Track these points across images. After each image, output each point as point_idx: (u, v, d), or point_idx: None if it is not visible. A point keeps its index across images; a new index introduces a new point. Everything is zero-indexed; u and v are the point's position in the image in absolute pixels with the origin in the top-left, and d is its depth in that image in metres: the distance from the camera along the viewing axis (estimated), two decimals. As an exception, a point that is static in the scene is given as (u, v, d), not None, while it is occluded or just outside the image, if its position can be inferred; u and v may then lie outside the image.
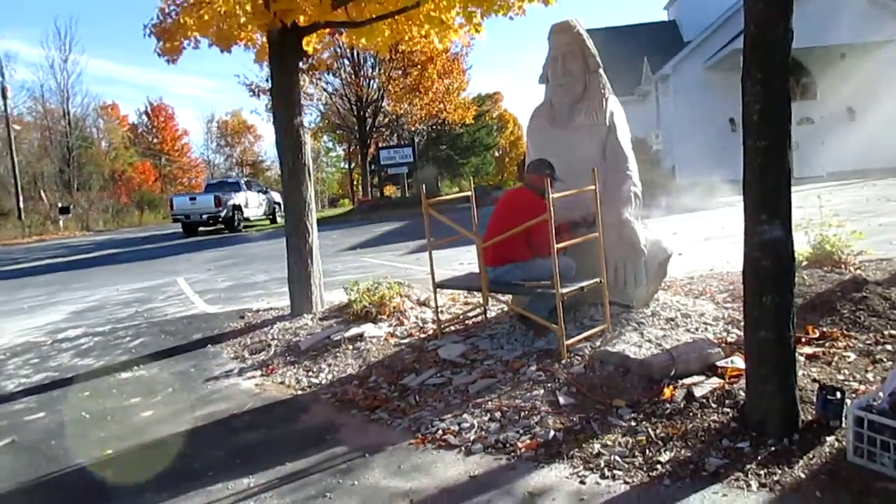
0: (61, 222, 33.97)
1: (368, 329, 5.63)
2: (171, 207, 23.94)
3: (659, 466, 3.13)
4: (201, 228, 23.59)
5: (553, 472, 3.20)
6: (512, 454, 3.43)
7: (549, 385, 4.11)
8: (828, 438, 3.17)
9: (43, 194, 37.06)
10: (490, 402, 4.01)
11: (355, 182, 60.30)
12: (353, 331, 5.61)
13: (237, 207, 23.61)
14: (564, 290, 4.43)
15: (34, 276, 15.00)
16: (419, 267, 9.83)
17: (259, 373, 5.28)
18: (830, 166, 18.44)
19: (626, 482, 3.04)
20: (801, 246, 6.04)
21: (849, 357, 4.10)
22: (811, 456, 3.05)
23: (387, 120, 30.69)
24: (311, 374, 5.06)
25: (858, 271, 5.71)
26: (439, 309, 5.61)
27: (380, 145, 29.72)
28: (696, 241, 9.40)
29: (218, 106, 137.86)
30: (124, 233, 32.07)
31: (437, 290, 5.44)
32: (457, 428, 3.77)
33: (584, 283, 4.60)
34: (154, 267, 14.49)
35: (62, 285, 12.64)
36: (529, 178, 5.05)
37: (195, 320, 7.59)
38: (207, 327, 7.07)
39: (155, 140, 62.18)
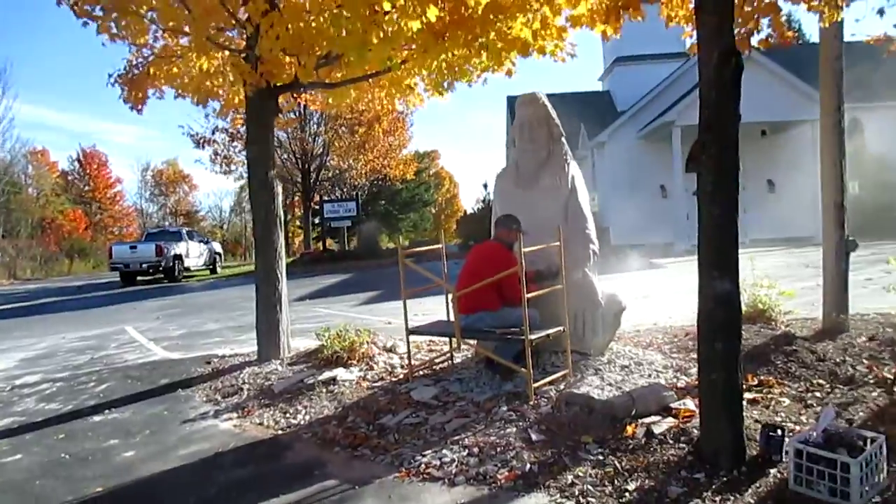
0: (-14, 269, 32.72)
1: (340, 373, 5.89)
2: (110, 255, 23.51)
3: (627, 494, 3.50)
4: (140, 278, 23.23)
5: (533, 500, 3.53)
6: (493, 485, 3.75)
7: (521, 424, 4.47)
8: (771, 470, 3.60)
9: (-33, 239, 35.65)
10: (467, 439, 4.34)
11: (292, 234, 60.19)
12: (326, 374, 5.87)
13: (178, 257, 23.39)
14: (533, 337, 4.84)
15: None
16: (374, 317, 10.12)
17: (235, 415, 5.46)
18: (752, 233, 19.65)
19: (600, 508, 3.41)
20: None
21: (784, 402, 4.61)
22: (758, 485, 3.48)
23: (330, 174, 31.10)
24: (288, 415, 5.28)
25: (788, 328, 6.33)
26: (406, 353, 5.94)
27: (323, 199, 30.01)
28: (636, 298, 9.97)
29: (152, 154, 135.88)
30: (55, 281, 31.10)
31: (410, 336, 5.76)
32: (438, 462, 4.07)
33: (549, 331, 5.03)
34: (98, 316, 14.28)
35: (2, 333, 12.34)
36: (498, 232, 5.50)
37: (159, 366, 7.66)
38: (173, 372, 7.17)
39: (87, 188, 60.85)
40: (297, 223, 55.10)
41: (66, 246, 45.84)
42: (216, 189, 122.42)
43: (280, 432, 4.99)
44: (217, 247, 28.80)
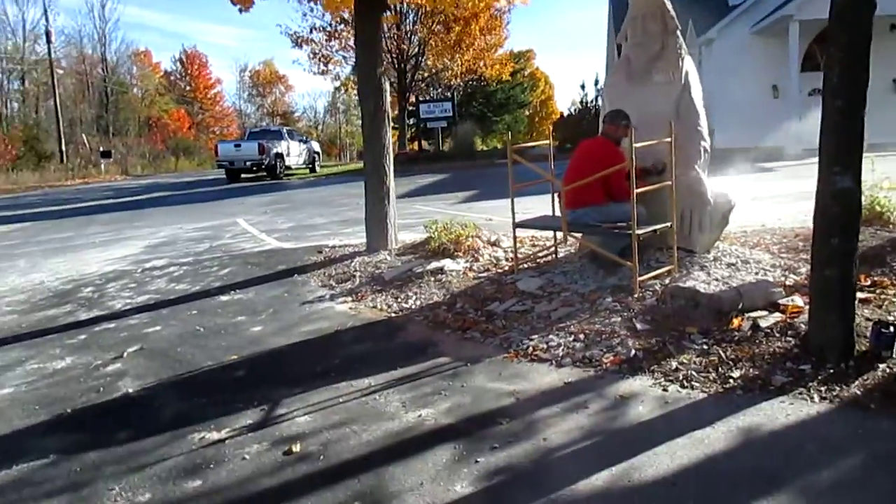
0: (103, 166, 34.79)
1: (448, 263, 6.15)
2: (216, 153, 24.55)
3: (731, 381, 3.62)
4: (244, 175, 24.21)
5: (637, 382, 3.70)
6: (598, 367, 3.94)
7: (625, 314, 4.61)
8: (880, 365, 3.61)
9: (85, 138, 37.84)
10: (572, 326, 4.52)
11: (386, 136, 60.67)
12: (434, 264, 6.14)
13: (279, 156, 24.17)
14: (640, 232, 4.89)
15: (94, 214, 15.71)
16: (474, 214, 10.29)
17: (350, 299, 5.84)
18: (874, 137, 18.43)
19: (703, 391, 3.54)
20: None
21: (897, 301, 4.54)
22: (865, 378, 3.51)
23: (426, 74, 30.88)
24: (399, 300, 5.61)
25: (903, 227, 6.10)
26: (510, 248, 6.11)
27: (419, 99, 29.97)
28: (744, 200, 9.72)
29: (250, 55, 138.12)
30: (165, 177, 32.84)
31: (517, 229, 5.91)
32: (545, 346, 4.29)
33: (657, 227, 5.07)
34: (208, 209, 15.12)
35: (125, 223, 13.31)
36: (606, 127, 5.49)
37: (274, 254, 8.18)
38: (288, 260, 7.65)
39: (188, 88, 62.83)
40: (392, 123, 55.55)
41: (172, 144, 48.02)
42: (310, 90, 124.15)
43: (393, 315, 5.32)
44: (316, 146, 29.49)
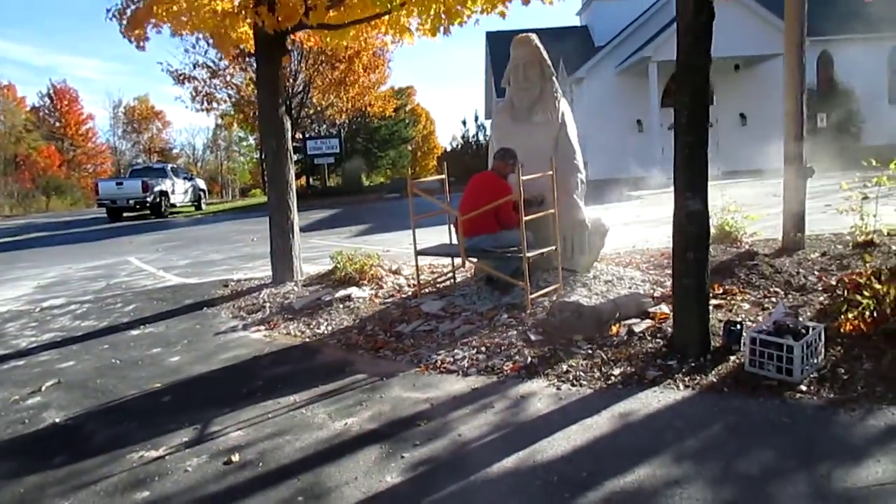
0: (-34, 207, 32.66)
1: (354, 291, 6.57)
2: (97, 192, 23.76)
3: (612, 377, 4.25)
4: (126, 214, 23.55)
5: (535, 384, 4.27)
6: (500, 374, 4.48)
7: (520, 328, 5.20)
8: (731, 358, 4.35)
9: (-56, 177, 35.41)
10: (474, 341, 5.05)
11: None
12: (342, 292, 6.54)
13: (164, 193, 23.70)
14: (529, 254, 5.52)
15: (-34, 256, 14.95)
16: (371, 247, 10.68)
17: (263, 328, 6.14)
18: (725, 165, 20.40)
19: (590, 388, 4.14)
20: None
21: (744, 306, 5.37)
22: (720, 369, 4.23)
23: (311, 112, 31.16)
24: (311, 326, 5.97)
25: (751, 247, 7.07)
26: (411, 276, 6.61)
27: (306, 136, 30.18)
28: (615, 225, 10.68)
29: (120, 89, 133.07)
30: (38, 218, 31.21)
31: (419, 257, 6.42)
32: (451, 359, 4.79)
33: (543, 250, 5.72)
34: (95, 248, 14.76)
35: (5, 264, 12.84)
36: (496, 164, 6.13)
37: (179, 289, 8.29)
38: (194, 294, 7.81)
39: (58, 124, 59.95)
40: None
41: (42, 183, 45.61)
42: (188, 126, 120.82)
43: (308, 340, 5.68)
44: (201, 183, 29.06)
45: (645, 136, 22.47)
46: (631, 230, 10.16)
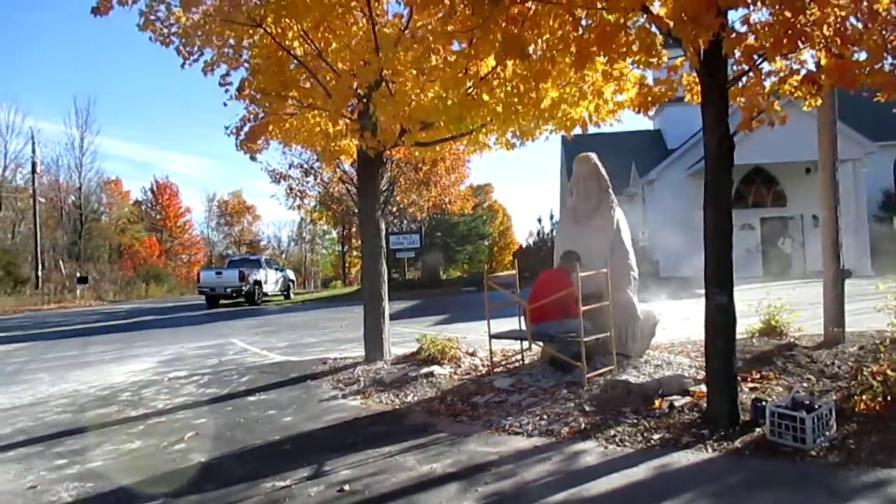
0: (78, 291, 35.68)
1: (436, 369, 7.63)
2: (198, 280, 25.91)
3: (652, 441, 5.11)
4: (223, 301, 25.47)
5: (586, 444, 5.16)
6: (558, 436, 5.39)
7: (577, 401, 6.11)
8: (757, 429, 5.14)
9: (61, 264, 38.88)
10: (537, 410, 5.99)
11: (349, 263, 62.56)
12: (425, 370, 7.61)
13: (258, 283, 25.60)
14: (586, 339, 6.49)
15: (88, 336, 16.76)
16: (449, 334, 11.78)
17: (359, 397, 7.22)
18: (812, 265, 20.83)
19: (632, 448, 5.02)
20: (755, 322, 8.22)
21: (777, 389, 6.13)
22: (745, 437, 5.03)
23: (394, 209, 33.19)
24: (400, 396, 7.01)
25: (794, 340, 7.80)
26: (485, 358, 7.63)
27: (389, 231, 32.09)
28: (677, 320, 11.47)
29: (214, 184, 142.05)
30: (142, 303, 33.74)
31: (492, 340, 7.46)
32: (518, 424, 5.73)
33: (599, 336, 6.67)
34: (200, 331, 16.34)
35: (124, 343, 14.45)
36: (561, 263, 7.21)
37: (284, 365, 9.53)
38: (298, 369, 9.01)
39: (158, 216, 64.62)
40: (355, 252, 57.66)
41: (143, 271, 49.02)
42: (275, 220, 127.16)
43: (397, 407, 6.72)
44: (291, 274, 31.03)
45: (715, 236, 23.11)
46: (690, 324, 10.88)
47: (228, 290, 24.81)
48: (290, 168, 30.81)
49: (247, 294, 24.98)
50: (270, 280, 27.19)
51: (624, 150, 27.74)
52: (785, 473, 4.37)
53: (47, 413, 7.61)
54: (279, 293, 28.51)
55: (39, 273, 36.22)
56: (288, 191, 31.23)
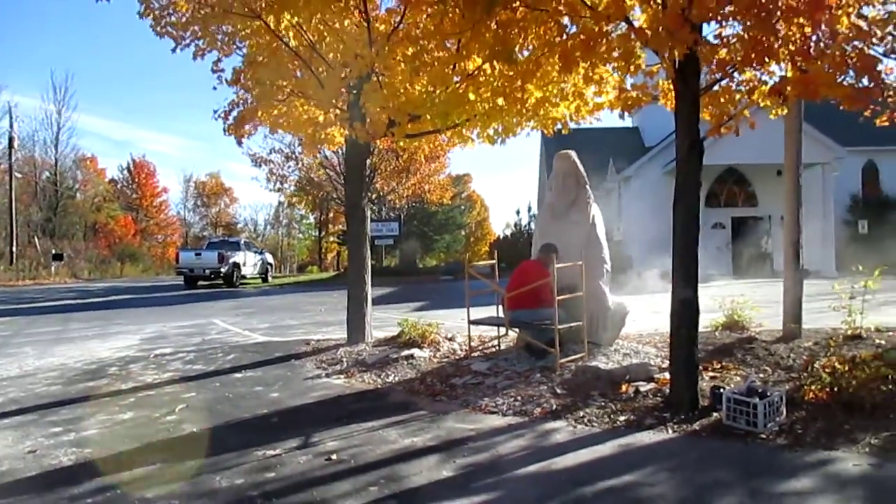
0: (53, 269, 35.49)
1: (416, 352, 7.98)
2: (177, 260, 26.01)
3: (618, 422, 5.51)
4: (201, 282, 25.60)
5: (557, 423, 5.54)
6: (531, 415, 5.77)
7: (549, 385, 6.50)
8: (714, 414, 5.55)
9: (36, 241, 38.60)
10: (512, 392, 6.38)
11: (325, 249, 62.65)
12: (406, 352, 7.97)
13: (237, 265, 25.78)
14: (560, 327, 6.87)
15: (68, 312, 16.88)
16: (428, 320, 12.17)
17: (342, 376, 7.55)
18: (778, 265, 21.46)
19: (599, 428, 5.41)
20: (719, 316, 8.68)
21: (735, 379, 6.56)
22: (703, 421, 5.45)
23: (374, 196, 33.42)
24: (381, 376, 7.36)
25: (754, 334, 8.26)
26: (463, 342, 8.00)
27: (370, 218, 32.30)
28: (648, 313, 11.93)
29: (193, 165, 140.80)
30: (118, 282, 33.67)
31: (471, 325, 7.83)
32: (494, 404, 6.11)
33: (572, 324, 7.07)
34: (180, 311, 16.53)
35: (105, 321, 14.60)
36: (539, 255, 7.58)
37: (267, 345, 9.82)
38: (281, 349, 9.31)
39: (134, 195, 64.12)
40: (332, 238, 57.77)
41: (118, 250, 48.80)
42: (252, 202, 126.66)
43: (379, 386, 7.06)
44: (269, 258, 31.23)
45: (688, 233, 23.71)
46: (660, 317, 11.33)
47: (207, 271, 24.97)
48: (271, 153, 30.96)
49: (225, 276, 25.15)
50: (249, 263, 27.38)
51: (602, 146, 28.24)
52: (736, 453, 4.79)
53: (36, 385, 7.84)
54: (257, 276, 28.71)
55: (14, 249, 35.93)
56: (269, 175, 31.36)
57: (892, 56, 8.68)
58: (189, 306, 17.83)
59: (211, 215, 72.81)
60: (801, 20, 4.73)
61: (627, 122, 34.19)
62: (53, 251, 36.60)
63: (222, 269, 24.93)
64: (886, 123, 9.86)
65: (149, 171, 66.17)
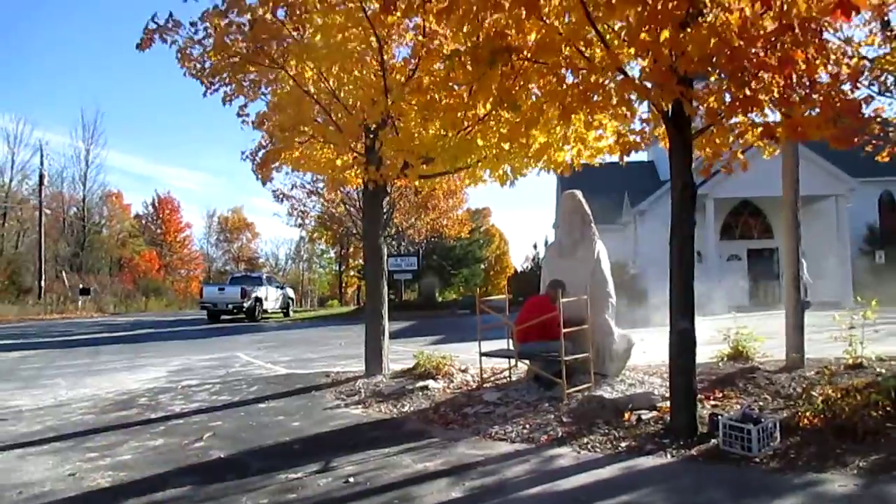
0: (80, 303, 36.32)
1: (431, 383, 8.36)
2: (201, 295, 26.63)
3: (620, 448, 5.82)
4: (224, 316, 26.15)
5: (562, 449, 5.87)
6: (538, 442, 6.10)
7: (556, 413, 6.84)
8: (712, 440, 5.84)
9: (64, 276, 39.55)
10: (521, 421, 6.71)
11: (346, 283, 63.20)
12: (421, 383, 8.34)
13: (259, 300, 26.33)
14: (567, 359, 7.22)
15: (96, 346, 17.44)
16: (443, 353, 12.52)
17: (360, 406, 7.93)
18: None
19: (602, 453, 5.73)
20: (723, 348, 8.96)
21: (735, 407, 6.84)
22: (701, 447, 5.74)
23: (393, 231, 33.99)
24: (397, 406, 7.72)
25: (757, 364, 8.53)
26: (475, 374, 8.36)
27: (388, 254, 32.81)
28: (660, 345, 12.20)
29: (215, 201, 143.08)
30: (142, 316, 34.37)
31: (482, 357, 8.20)
32: (503, 432, 6.45)
33: (578, 356, 7.41)
34: (204, 345, 17.02)
35: (132, 354, 15.12)
36: (547, 290, 7.96)
37: (289, 377, 10.24)
38: (302, 381, 9.71)
39: (158, 231, 65.34)
40: (352, 272, 58.38)
41: (143, 284, 49.71)
42: (273, 238, 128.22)
43: (394, 415, 7.43)
44: (290, 292, 31.77)
45: (704, 265, 23.89)
46: (670, 349, 11.63)
47: (230, 305, 25.52)
48: (292, 188, 31.71)
49: (248, 310, 25.68)
50: (271, 297, 27.92)
51: (618, 181, 28.59)
52: (730, 475, 5.09)
53: (71, 414, 8.29)
54: (279, 310, 29.22)
55: (42, 283, 36.85)
56: (290, 210, 32.09)
57: (886, 94, 9.09)
58: (213, 340, 18.33)
59: (233, 250, 73.86)
60: (776, 76, 5.11)
61: (642, 156, 34.68)
62: (81, 286, 37.47)
63: (245, 304, 25.48)
64: (887, 159, 10.26)
65: (173, 206, 67.43)
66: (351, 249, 52.04)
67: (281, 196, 31.58)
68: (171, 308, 47.10)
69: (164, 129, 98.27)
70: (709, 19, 5.27)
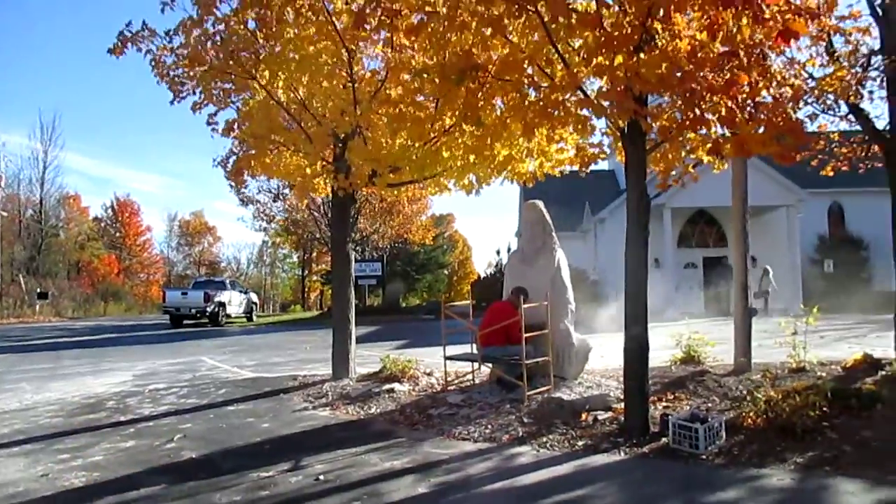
0: (37, 307, 35.69)
1: (396, 386, 8.61)
2: (164, 299, 26.44)
3: (577, 446, 6.15)
4: (186, 321, 26.01)
5: (522, 448, 6.18)
6: (499, 442, 6.41)
7: (517, 414, 7.15)
8: (663, 439, 6.21)
9: (21, 279, 38.82)
10: (483, 421, 7.01)
11: (309, 288, 62.95)
12: (387, 386, 8.60)
13: (222, 304, 26.23)
14: (528, 362, 7.55)
15: (56, 350, 17.28)
16: (408, 357, 12.78)
17: (328, 408, 8.14)
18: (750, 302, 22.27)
19: (560, 451, 6.05)
20: (676, 352, 9.38)
21: (686, 408, 7.23)
22: (652, 445, 6.10)
23: (357, 237, 34.13)
24: (364, 408, 7.96)
25: (707, 367, 8.96)
26: (440, 377, 8.65)
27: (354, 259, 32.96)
28: (617, 349, 12.64)
29: (176, 203, 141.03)
30: (102, 321, 33.91)
31: (447, 361, 8.48)
32: (467, 432, 6.74)
33: (539, 359, 7.74)
34: (168, 349, 17.00)
35: (96, 358, 15.06)
36: (510, 297, 8.28)
37: (257, 381, 10.39)
38: (270, 384, 9.88)
39: (118, 234, 64.28)
40: (315, 277, 58.22)
41: (101, 289, 48.93)
42: (234, 241, 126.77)
43: (362, 417, 7.67)
44: (254, 297, 31.67)
45: (661, 272, 24.54)
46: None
47: (193, 310, 25.41)
48: (258, 192, 31.69)
49: (211, 315, 25.59)
50: (234, 302, 27.83)
51: (579, 190, 29.09)
52: (677, 471, 5.45)
53: (39, 417, 8.35)
54: (242, 315, 29.13)
55: (-2, 288, 36.17)
56: (255, 214, 32.04)
57: (829, 113, 9.62)
58: (176, 344, 18.30)
59: (194, 254, 72.90)
60: (723, 97, 5.51)
61: (603, 165, 35.37)
62: (38, 290, 36.82)
63: (208, 309, 25.38)
64: (832, 173, 10.82)
65: (133, 209, 66.34)
66: (314, 254, 51.95)
67: (246, 200, 31.58)
68: (131, 313, 46.46)
69: (123, 132, 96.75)
70: (661, 44, 5.64)
